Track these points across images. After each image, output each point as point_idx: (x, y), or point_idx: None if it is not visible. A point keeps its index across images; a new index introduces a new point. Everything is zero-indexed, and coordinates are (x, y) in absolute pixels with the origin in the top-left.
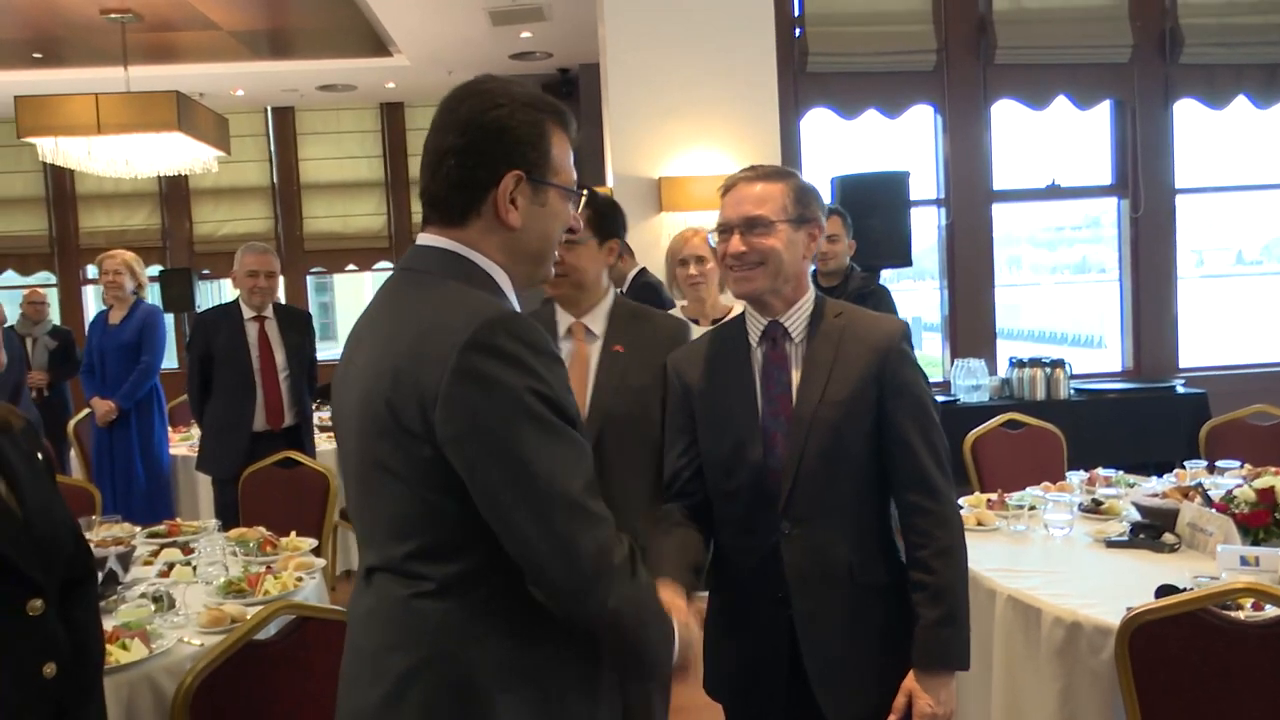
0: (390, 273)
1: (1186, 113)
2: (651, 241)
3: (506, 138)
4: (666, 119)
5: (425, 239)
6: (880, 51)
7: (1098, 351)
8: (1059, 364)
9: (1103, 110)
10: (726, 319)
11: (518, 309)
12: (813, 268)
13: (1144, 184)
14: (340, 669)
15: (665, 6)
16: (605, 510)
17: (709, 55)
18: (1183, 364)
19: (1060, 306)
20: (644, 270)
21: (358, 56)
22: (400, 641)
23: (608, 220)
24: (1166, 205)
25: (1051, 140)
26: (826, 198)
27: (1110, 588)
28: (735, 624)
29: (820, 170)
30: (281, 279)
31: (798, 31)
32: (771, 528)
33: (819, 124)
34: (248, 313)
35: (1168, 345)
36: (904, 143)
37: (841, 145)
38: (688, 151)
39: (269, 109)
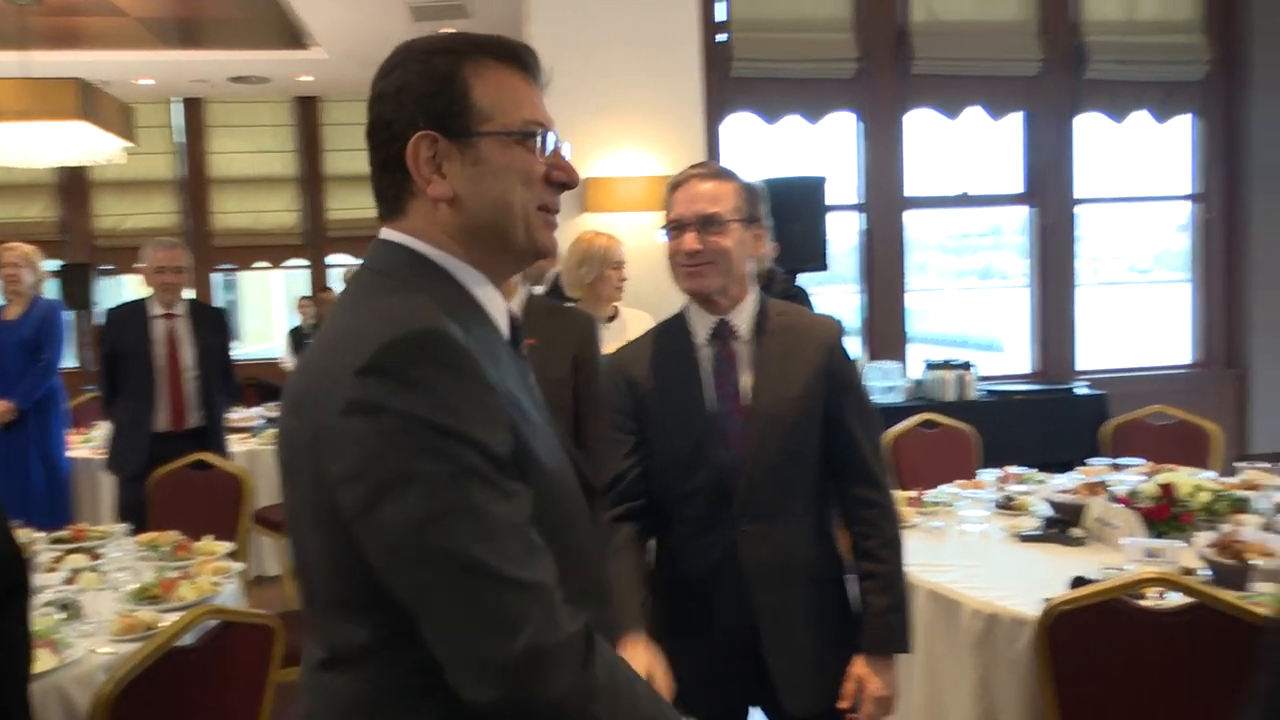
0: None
1: (1090, 126)
2: None
3: (405, 97)
4: (592, 119)
5: (381, 233)
6: (802, 58)
7: (998, 355)
8: (968, 366)
9: (1013, 121)
10: (615, 319)
11: (498, 305)
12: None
13: (1050, 193)
14: None
15: (591, 7)
16: (538, 574)
17: (635, 57)
18: (1083, 367)
19: (964, 311)
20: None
21: (272, 48)
22: (317, 716)
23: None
24: (1068, 214)
25: (960, 149)
26: None
27: (1025, 580)
28: (694, 626)
29: (742, 173)
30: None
31: (723, 36)
32: (730, 525)
33: (742, 127)
34: (157, 310)
35: (1069, 349)
36: (825, 148)
37: (764, 149)
38: (613, 152)
39: (176, 100)
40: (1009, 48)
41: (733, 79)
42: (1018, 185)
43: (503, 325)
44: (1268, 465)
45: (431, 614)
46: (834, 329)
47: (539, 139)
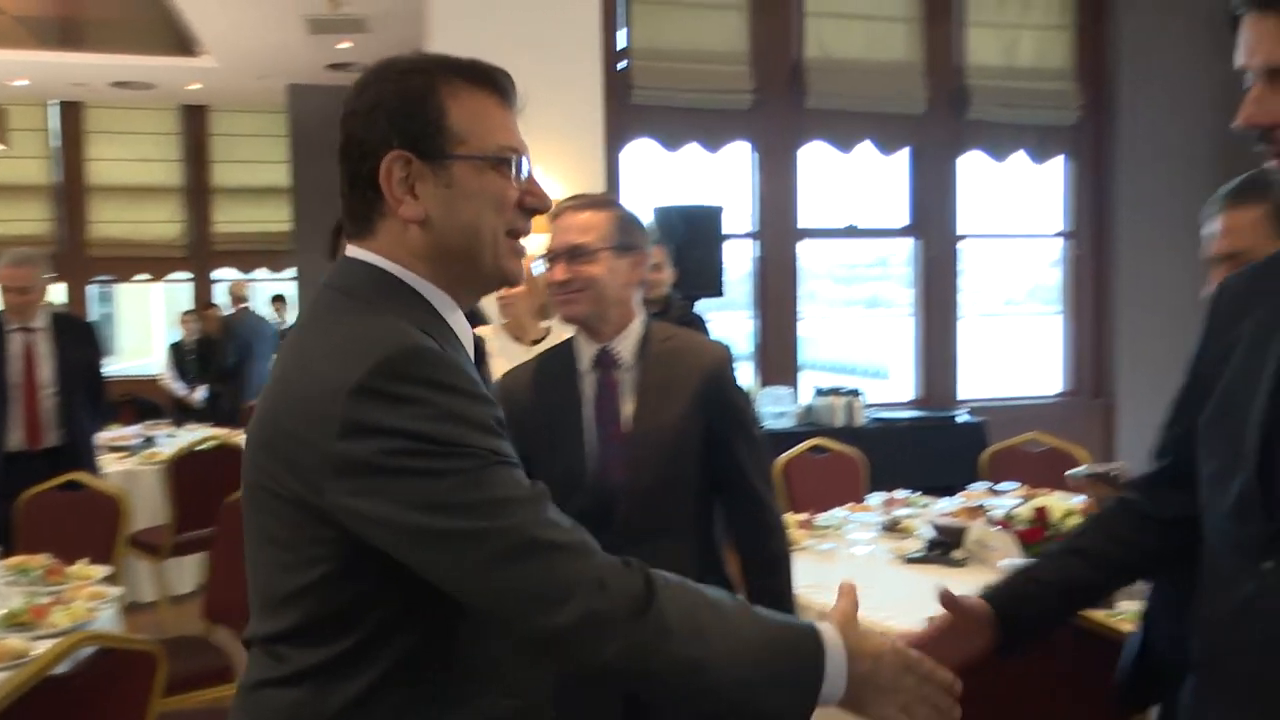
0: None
1: (973, 164)
2: None
3: (379, 115)
4: None
5: (348, 251)
6: (701, 88)
7: (884, 382)
8: (855, 393)
9: (901, 157)
10: (545, 340)
11: (464, 329)
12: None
13: (933, 227)
14: None
15: (493, 30)
16: (564, 537)
17: (536, 81)
18: (964, 395)
19: (851, 339)
20: None
21: (159, 54)
22: None
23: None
24: (951, 248)
25: (851, 182)
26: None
27: (910, 600)
28: None
29: (642, 200)
30: (64, 286)
31: (624, 64)
32: (612, 549)
33: (643, 154)
34: (14, 323)
35: (951, 377)
36: (724, 177)
37: (664, 176)
38: None
39: (53, 103)
40: (897, 87)
41: (633, 106)
42: (904, 219)
43: (469, 349)
44: (1089, 472)
45: (483, 595)
46: (718, 354)
47: (513, 164)
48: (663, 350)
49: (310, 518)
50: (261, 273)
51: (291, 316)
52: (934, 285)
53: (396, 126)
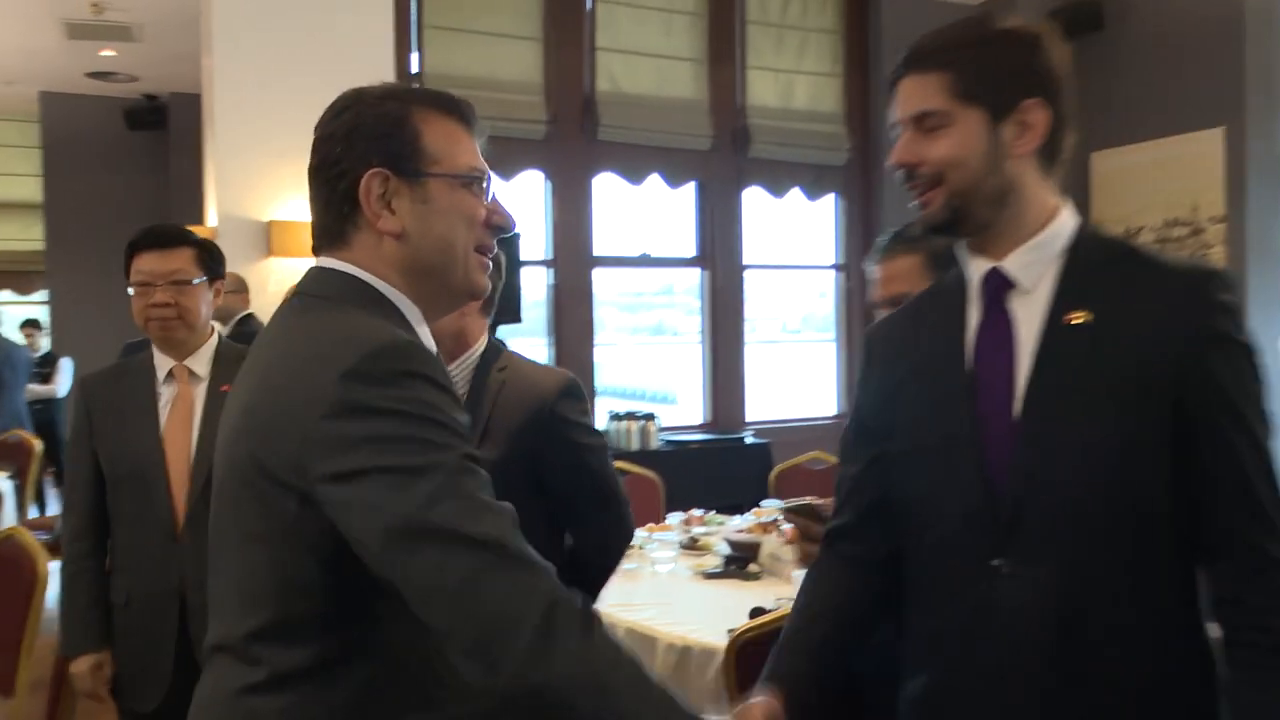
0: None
1: (755, 199)
2: (258, 286)
3: (356, 136)
4: (279, 161)
5: (320, 261)
6: (495, 116)
7: (672, 407)
8: (650, 417)
9: (688, 190)
10: None
11: (431, 343)
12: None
13: (720, 258)
14: None
15: (280, 45)
16: (530, 553)
17: (324, 100)
18: (751, 418)
19: (639, 365)
20: (251, 316)
21: None
22: None
23: (216, 259)
24: (737, 278)
25: (641, 213)
26: None
27: (711, 614)
28: None
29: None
30: None
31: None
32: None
33: None
34: None
35: (739, 401)
36: (518, 204)
37: None
38: (301, 195)
39: None
40: (684, 123)
41: None
42: (691, 249)
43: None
44: (793, 506)
45: (428, 594)
46: (558, 381)
47: (482, 183)
48: (495, 380)
49: (296, 506)
50: (7, 295)
51: (46, 343)
52: (721, 313)
53: (375, 146)
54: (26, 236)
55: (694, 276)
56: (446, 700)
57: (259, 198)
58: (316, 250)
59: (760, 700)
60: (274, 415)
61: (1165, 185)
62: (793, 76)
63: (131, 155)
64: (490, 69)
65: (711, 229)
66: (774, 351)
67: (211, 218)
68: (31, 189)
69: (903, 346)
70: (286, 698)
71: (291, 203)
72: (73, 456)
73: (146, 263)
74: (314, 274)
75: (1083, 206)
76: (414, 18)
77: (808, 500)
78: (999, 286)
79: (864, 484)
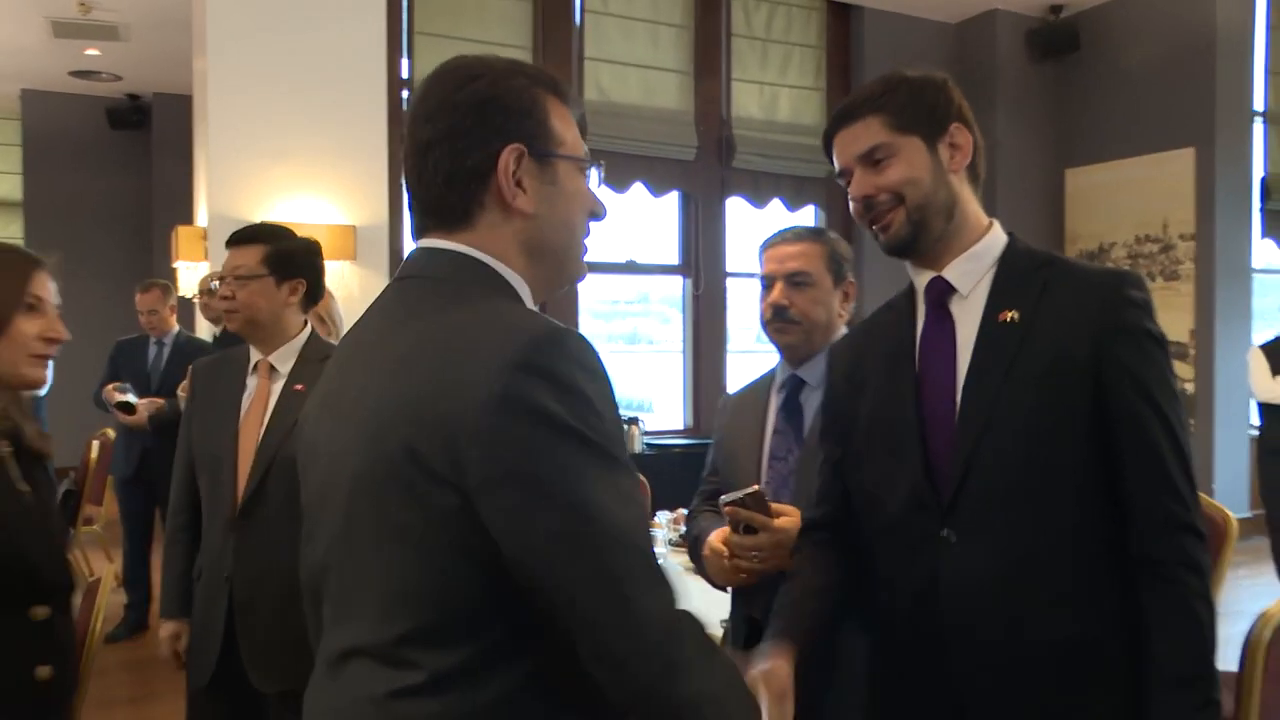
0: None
1: (738, 208)
2: None
3: (492, 110)
4: (273, 162)
5: (428, 242)
6: None
7: (649, 414)
8: (635, 421)
9: (672, 199)
10: None
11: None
12: None
13: (704, 266)
14: None
15: (274, 48)
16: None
17: (321, 104)
18: None
19: (616, 373)
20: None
21: None
22: None
23: (289, 259)
24: (720, 286)
25: (625, 221)
26: None
27: (705, 607)
28: None
29: None
30: None
31: (407, 93)
32: None
33: None
34: None
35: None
36: None
37: None
38: (293, 197)
39: None
40: (669, 133)
41: None
42: (674, 257)
43: None
44: (732, 499)
45: (588, 610)
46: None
47: (595, 171)
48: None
49: (455, 502)
50: None
51: None
52: (703, 320)
53: (513, 122)
54: (5, 234)
55: (672, 285)
56: (592, 705)
57: (252, 199)
58: (422, 230)
59: (777, 662)
60: (427, 407)
61: (1137, 203)
62: (776, 90)
63: (113, 155)
64: None
65: (695, 237)
66: (753, 360)
67: (202, 218)
68: (11, 186)
69: (858, 357)
70: (442, 701)
71: (284, 204)
72: (180, 436)
73: (226, 258)
74: (425, 256)
75: (1057, 222)
76: (405, 24)
77: (753, 488)
78: (941, 292)
79: (832, 481)
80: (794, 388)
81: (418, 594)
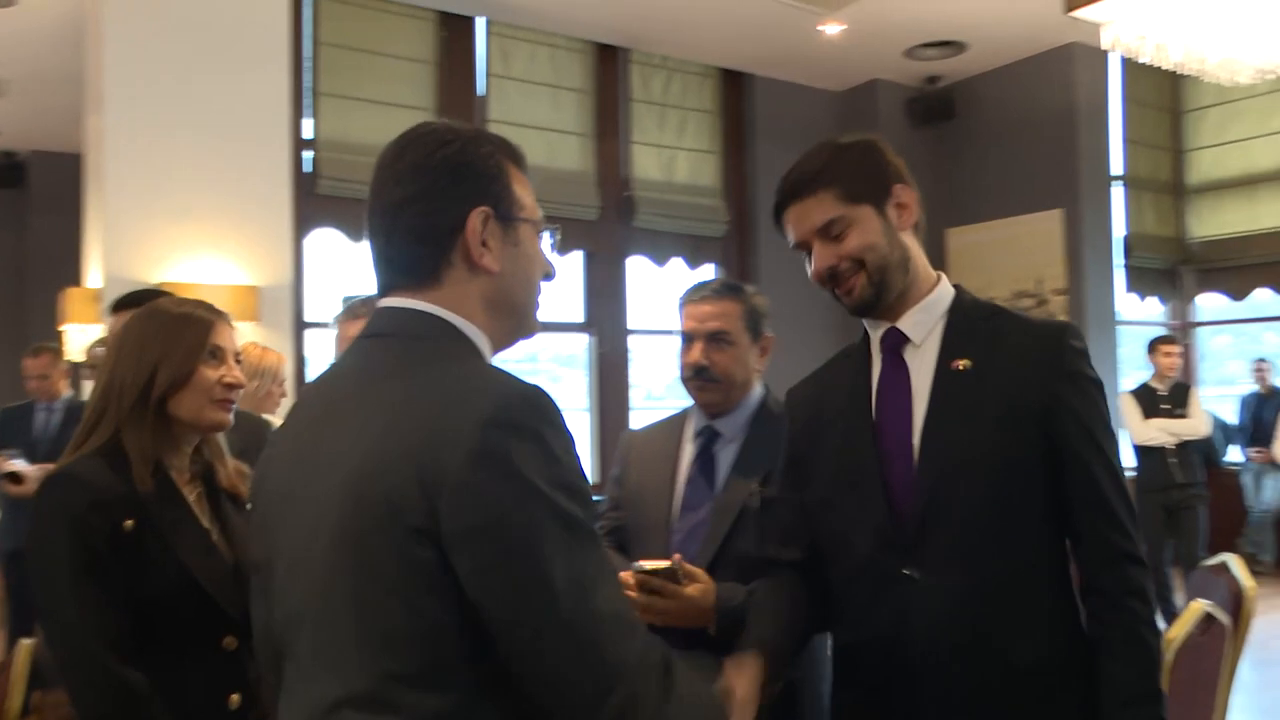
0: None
1: (639, 267)
2: None
3: (463, 174)
4: (173, 222)
5: (395, 302)
6: None
7: None
8: None
9: (575, 258)
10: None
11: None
12: None
13: (607, 323)
14: None
15: (176, 108)
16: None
17: (223, 164)
18: None
19: None
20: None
21: None
22: None
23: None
24: (623, 343)
25: None
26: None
27: None
28: None
29: (330, 288)
30: None
31: (310, 154)
32: None
33: (329, 243)
34: None
35: None
36: None
37: (350, 266)
38: (194, 258)
39: None
40: (572, 193)
41: (318, 196)
42: (579, 315)
43: None
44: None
45: (545, 659)
46: None
47: (549, 234)
48: None
49: (435, 554)
50: None
51: None
52: (607, 378)
53: (481, 186)
54: None
55: (562, 343)
56: None
57: (150, 259)
58: (389, 288)
59: (750, 656)
60: (408, 461)
61: (1013, 260)
62: (674, 152)
63: None
64: (384, 137)
65: (597, 295)
66: (655, 416)
67: (94, 279)
68: None
69: (817, 404)
70: None
71: (185, 264)
72: None
73: (110, 325)
74: (392, 315)
75: None
76: (309, 84)
77: (672, 562)
78: (896, 342)
79: (794, 524)
80: (709, 439)
81: (402, 640)
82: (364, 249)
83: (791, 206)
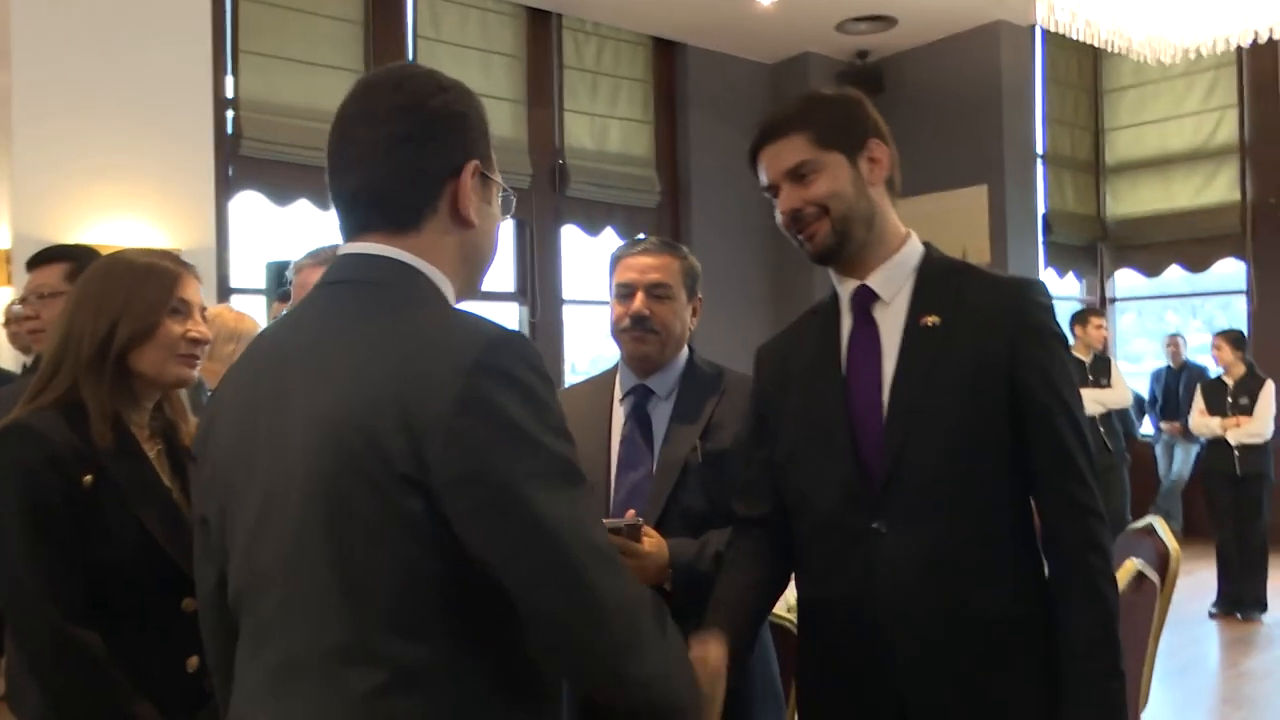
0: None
1: (572, 236)
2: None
3: (459, 124)
4: (88, 182)
5: (363, 247)
6: (312, 146)
7: None
8: None
9: (507, 226)
10: None
11: None
12: None
13: (539, 293)
14: None
15: (91, 65)
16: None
17: (142, 123)
18: None
19: None
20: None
21: None
22: None
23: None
24: (556, 313)
25: None
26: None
27: None
28: None
29: (254, 252)
30: None
31: (231, 113)
32: None
33: (253, 206)
34: None
35: None
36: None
37: (274, 230)
38: (111, 219)
39: None
40: (504, 161)
41: (242, 157)
42: (509, 284)
43: None
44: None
45: (546, 599)
46: None
47: (508, 199)
48: None
49: (421, 502)
50: None
51: None
52: (540, 348)
53: (477, 139)
54: None
55: (504, 312)
56: (544, 701)
57: (64, 219)
58: (362, 228)
59: (712, 646)
60: (391, 407)
61: (939, 235)
62: (607, 121)
63: None
64: (310, 98)
65: (531, 265)
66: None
67: (3, 238)
68: None
69: (786, 360)
70: (419, 695)
71: (101, 225)
72: None
73: (28, 281)
74: (361, 261)
75: None
76: (229, 43)
77: (629, 519)
78: (865, 299)
79: (762, 481)
80: (642, 397)
81: (383, 590)
82: (292, 211)
83: (766, 148)
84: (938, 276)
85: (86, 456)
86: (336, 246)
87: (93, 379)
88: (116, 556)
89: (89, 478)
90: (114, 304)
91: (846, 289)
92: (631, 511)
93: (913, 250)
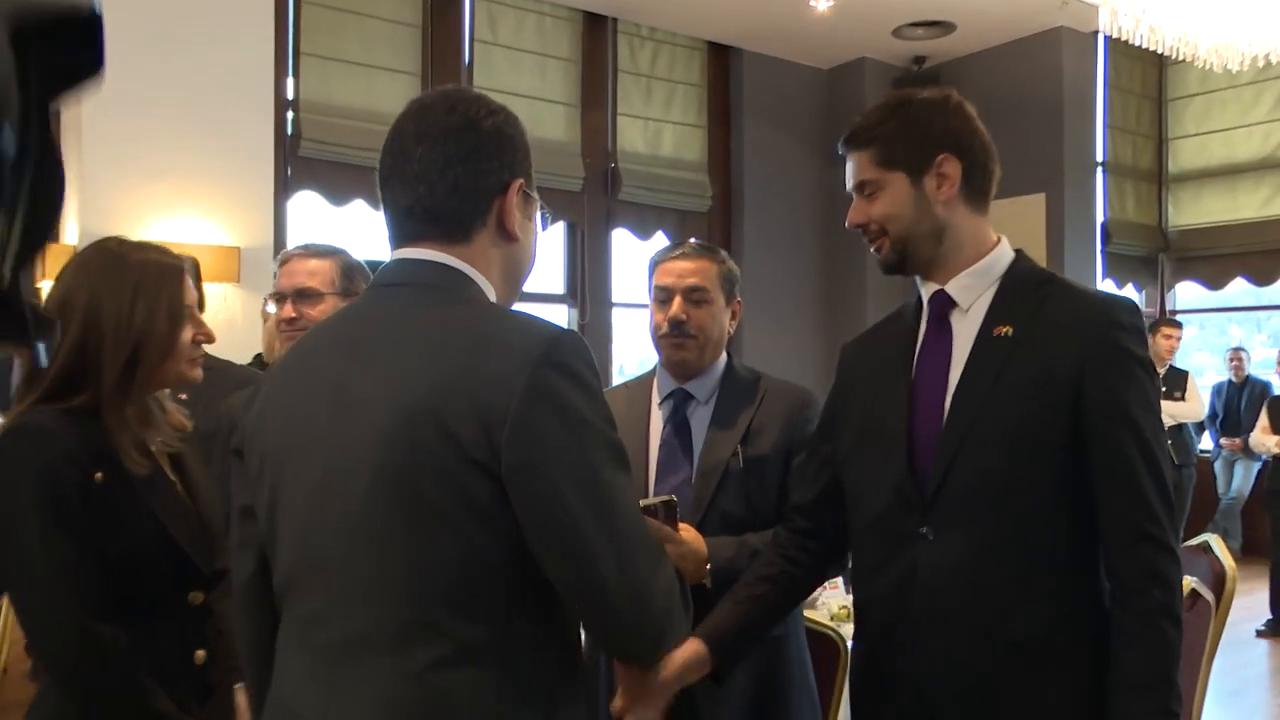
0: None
1: (623, 240)
2: None
3: (509, 145)
4: (152, 180)
5: (418, 253)
6: (371, 148)
7: None
8: None
9: (558, 229)
10: None
11: None
12: None
13: (589, 296)
14: None
15: (158, 67)
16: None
17: (205, 123)
18: None
19: None
20: None
21: None
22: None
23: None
24: (605, 316)
25: None
26: None
27: None
28: None
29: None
30: None
31: (291, 115)
32: None
33: (311, 206)
34: None
35: None
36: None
37: (333, 229)
38: (174, 217)
39: None
40: (556, 164)
41: (301, 158)
42: (559, 287)
43: None
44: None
45: (602, 581)
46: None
47: (543, 218)
48: None
49: (489, 487)
50: None
51: None
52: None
53: (522, 159)
54: None
55: (553, 314)
56: (580, 674)
57: (129, 217)
58: (416, 237)
59: (688, 642)
60: (462, 396)
61: None
62: (660, 125)
63: None
64: (368, 101)
65: (581, 267)
66: None
67: (71, 235)
68: None
69: (863, 356)
70: (477, 670)
71: (164, 223)
72: None
73: None
74: (414, 265)
75: None
76: (291, 45)
77: (668, 496)
78: (943, 305)
79: (818, 471)
80: (681, 401)
81: (450, 572)
82: (348, 211)
83: (848, 156)
84: (1022, 286)
85: (98, 453)
86: (332, 246)
87: (116, 407)
88: (131, 551)
89: (100, 474)
90: (133, 324)
91: (926, 292)
92: (671, 495)
93: (999, 258)
